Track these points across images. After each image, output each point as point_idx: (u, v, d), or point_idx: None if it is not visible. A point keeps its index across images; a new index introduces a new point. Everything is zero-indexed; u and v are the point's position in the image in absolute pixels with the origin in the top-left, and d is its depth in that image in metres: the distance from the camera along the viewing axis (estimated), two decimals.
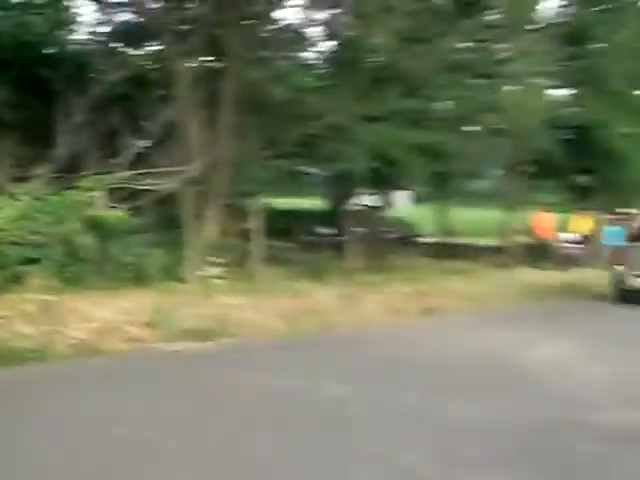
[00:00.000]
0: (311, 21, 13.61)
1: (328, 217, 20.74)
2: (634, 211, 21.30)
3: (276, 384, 6.93)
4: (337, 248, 16.39)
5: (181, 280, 11.63)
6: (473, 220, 29.95)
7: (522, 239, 21.67)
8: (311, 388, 6.85)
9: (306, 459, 4.93)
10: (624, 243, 15.79)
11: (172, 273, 11.73)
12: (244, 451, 5.01)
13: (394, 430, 5.69)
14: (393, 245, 19.01)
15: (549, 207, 21.35)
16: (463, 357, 8.70)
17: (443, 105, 15.54)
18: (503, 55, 16.03)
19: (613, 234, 19.98)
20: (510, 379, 7.71)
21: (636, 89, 19.82)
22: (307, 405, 6.34)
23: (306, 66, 14.65)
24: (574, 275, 17.95)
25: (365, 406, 6.29)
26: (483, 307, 13.31)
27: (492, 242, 22.88)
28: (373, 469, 4.78)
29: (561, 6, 18.73)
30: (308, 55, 14.86)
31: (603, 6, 17.83)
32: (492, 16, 15.79)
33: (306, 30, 13.91)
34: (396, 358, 8.48)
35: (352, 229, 16.54)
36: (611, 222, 20.49)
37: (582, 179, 19.09)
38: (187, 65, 12.41)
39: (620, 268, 14.55)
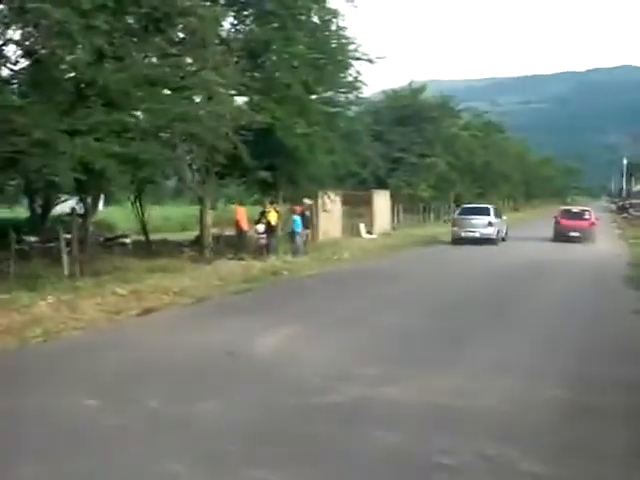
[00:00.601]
0: (8, 40, 14.43)
1: (37, 226, 21.36)
2: (309, 201, 25.30)
3: (24, 402, 7.12)
4: (48, 255, 17.23)
5: None
6: (172, 217, 32.29)
7: (219, 232, 24.22)
8: (63, 402, 7.15)
9: None
10: (301, 229, 23.57)
11: None
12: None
13: (150, 439, 6.13)
14: (101, 248, 20.26)
15: (242, 202, 24.11)
16: (195, 354, 9.43)
17: (142, 116, 17.10)
18: (193, 68, 18.10)
19: (297, 222, 23.62)
20: (241, 371, 8.56)
21: (311, 94, 23.32)
22: (61, 420, 6.57)
23: (7, 84, 15.36)
24: (268, 263, 20.79)
25: (115, 416, 6.67)
26: (198, 301, 14.40)
27: (191, 237, 25.11)
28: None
29: (239, 23, 21.40)
30: (9, 73, 15.53)
31: (276, 24, 20.78)
32: (181, 32, 17.72)
33: (5, 48, 14.65)
34: (130, 362, 8.97)
35: (61, 236, 17.39)
36: (294, 212, 23.99)
37: (267, 175, 21.81)
38: None
39: (455, 228, 32.15)
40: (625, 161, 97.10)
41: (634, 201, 68.21)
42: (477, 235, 31.14)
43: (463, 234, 31.39)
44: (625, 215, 62.95)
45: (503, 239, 32.98)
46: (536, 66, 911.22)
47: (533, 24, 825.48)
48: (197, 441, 6.08)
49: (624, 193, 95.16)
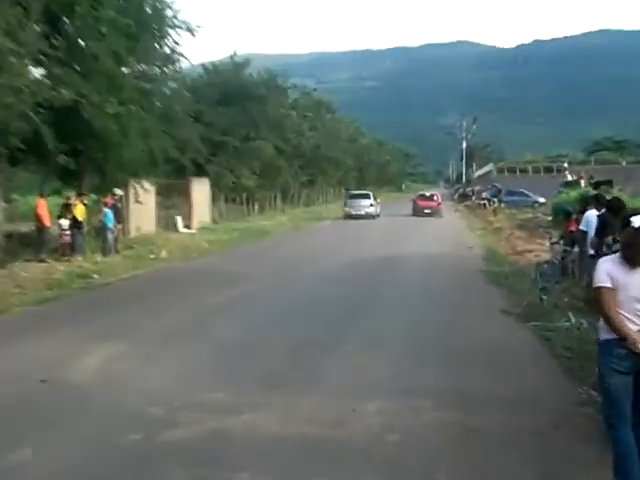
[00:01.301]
0: None
1: None
2: (120, 192, 24.57)
3: None
4: None
5: None
6: None
7: (11, 229, 23.05)
8: None
9: None
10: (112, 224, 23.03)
11: None
12: None
13: None
14: None
15: (41, 193, 22.95)
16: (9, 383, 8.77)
17: None
18: None
19: (108, 216, 22.84)
20: (63, 403, 8.02)
21: (123, 67, 22.59)
22: None
23: None
24: (75, 264, 20.17)
25: None
26: None
27: None
28: None
29: None
30: None
31: None
32: None
33: None
34: None
35: None
36: (105, 204, 23.19)
37: (70, 161, 20.90)
38: None
39: (347, 208, 49.90)
40: (464, 145, 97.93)
41: (477, 188, 71.33)
42: (362, 213, 48.35)
43: (353, 212, 48.62)
44: (468, 203, 65.76)
45: (378, 215, 49.85)
46: (366, 41, 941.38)
47: None
48: None
49: (464, 179, 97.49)
